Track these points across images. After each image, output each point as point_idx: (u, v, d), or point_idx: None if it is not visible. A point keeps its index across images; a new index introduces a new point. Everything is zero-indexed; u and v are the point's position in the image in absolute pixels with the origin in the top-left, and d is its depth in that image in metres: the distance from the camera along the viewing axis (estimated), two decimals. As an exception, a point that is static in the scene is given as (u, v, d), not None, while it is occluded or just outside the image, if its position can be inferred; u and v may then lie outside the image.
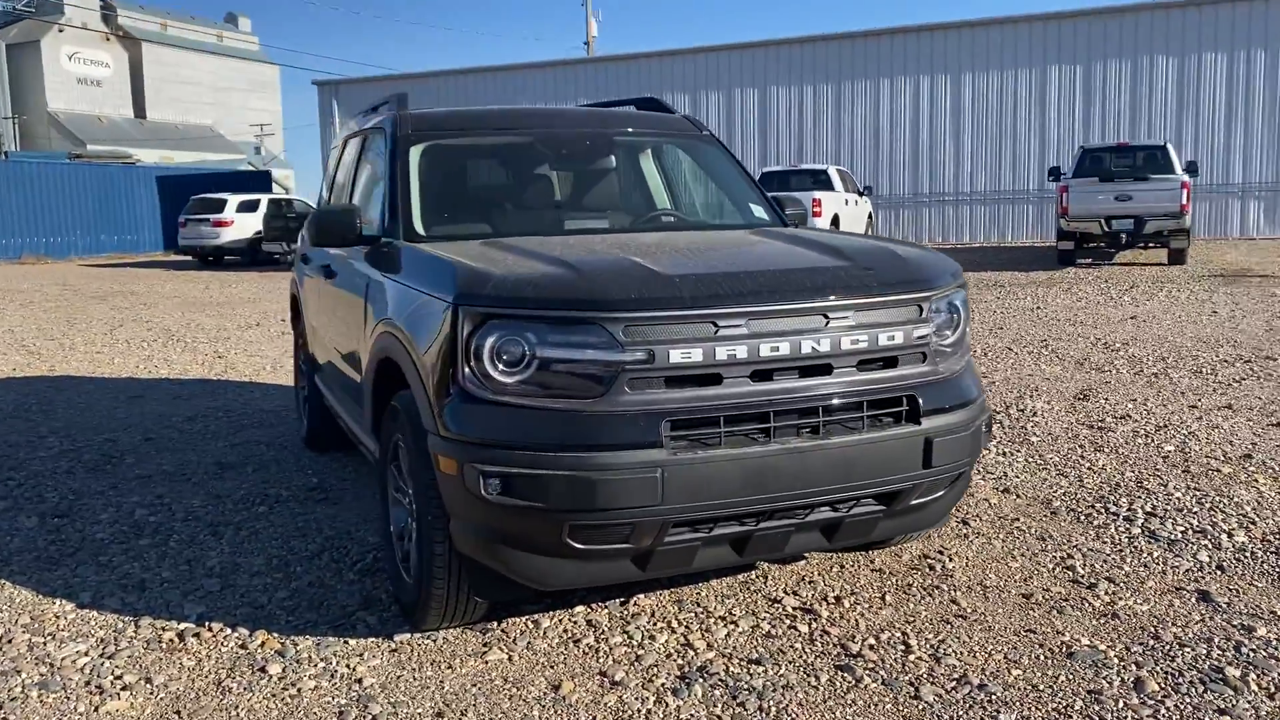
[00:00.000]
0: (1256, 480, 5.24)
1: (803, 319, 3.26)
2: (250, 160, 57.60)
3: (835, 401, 3.28)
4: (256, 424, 7.19)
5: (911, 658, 3.38)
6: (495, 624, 3.70)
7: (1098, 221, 18.91)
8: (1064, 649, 3.41)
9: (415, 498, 3.46)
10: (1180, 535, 4.45)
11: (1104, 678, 3.20)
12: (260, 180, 38.89)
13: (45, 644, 3.66)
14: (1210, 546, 4.31)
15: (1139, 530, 4.54)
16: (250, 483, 5.66)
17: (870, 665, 3.33)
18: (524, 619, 3.74)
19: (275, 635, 3.67)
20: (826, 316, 3.28)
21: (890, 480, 3.37)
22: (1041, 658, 3.36)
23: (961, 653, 3.40)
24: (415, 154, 4.51)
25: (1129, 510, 4.79)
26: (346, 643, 3.59)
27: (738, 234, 4.40)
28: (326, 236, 4.28)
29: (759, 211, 4.86)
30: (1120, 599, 3.80)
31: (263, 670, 3.41)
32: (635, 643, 3.54)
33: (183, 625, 3.78)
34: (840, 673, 3.29)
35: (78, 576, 4.30)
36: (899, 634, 3.55)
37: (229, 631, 3.72)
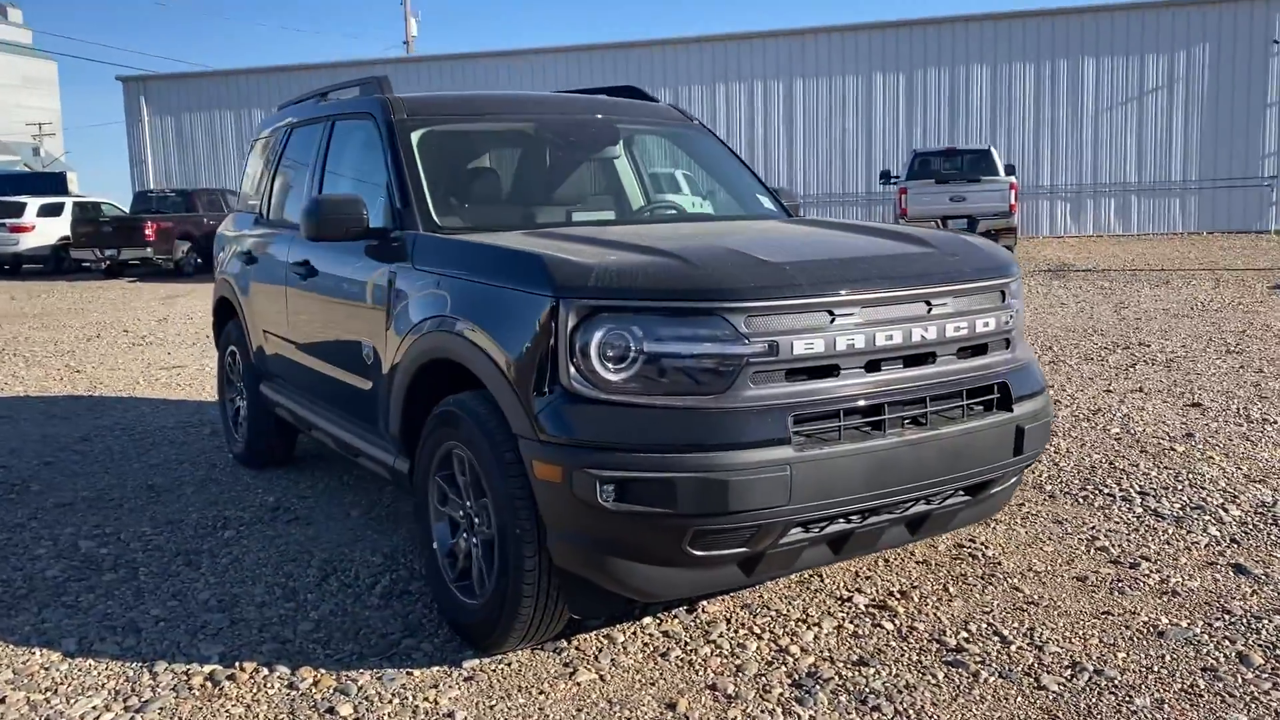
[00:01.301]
0: (1212, 458, 5.51)
1: (908, 307, 3.16)
2: (26, 162, 53.24)
3: (941, 391, 3.20)
4: (164, 442, 6.55)
5: (1013, 649, 3.33)
6: (565, 642, 3.44)
7: (934, 221, 19.79)
8: (1151, 629, 3.44)
9: (496, 510, 3.16)
10: (1182, 512, 4.60)
11: (1209, 655, 3.24)
12: (51, 182, 35.99)
13: (50, 701, 3.16)
14: (1214, 521, 4.48)
15: (1142, 509, 4.67)
16: (197, 506, 5.13)
17: (978, 659, 3.27)
18: (593, 635, 3.49)
19: (323, 671, 3.29)
20: (929, 304, 3.19)
21: (987, 469, 3.32)
22: (1135, 639, 3.38)
23: (1058, 640, 3.38)
24: (415, 140, 4.16)
25: (1121, 490, 4.94)
26: (410, 674, 3.26)
27: (770, 223, 4.27)
28: (329, 229, 3.88)
29: (765, 201, 4.75)
30: (1169, 576, 3.88)
31: (331, 711, 3.05)
32: (727, 652, 3.36)
33: (209, 667, 3.34)
34: (953, 669, 3.21)
35: (47, 621, 3.76)
36: (985, 625, 3.50)
37: (266, 671, 3.32)
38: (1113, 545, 4.22)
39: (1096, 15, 25.77)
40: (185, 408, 7.74)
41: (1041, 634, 3.42)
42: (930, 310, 3.19)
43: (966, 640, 3.39)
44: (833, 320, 3.01)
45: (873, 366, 3.10)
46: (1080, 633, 3.43)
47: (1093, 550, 4.17)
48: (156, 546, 4.52)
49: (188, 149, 31.81)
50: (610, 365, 2.92)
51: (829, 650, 3.36)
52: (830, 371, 3.02)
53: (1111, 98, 25.73)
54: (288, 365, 4.94)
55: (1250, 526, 4.41)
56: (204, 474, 5.74)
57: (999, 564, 4.04)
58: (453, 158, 4.36)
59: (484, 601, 3.30)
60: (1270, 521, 4.46)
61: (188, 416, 7.38)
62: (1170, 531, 4.37)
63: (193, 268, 22.91)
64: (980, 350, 3.36)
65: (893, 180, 20.70)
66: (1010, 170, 20.81)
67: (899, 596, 3.75)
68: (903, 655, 3.31)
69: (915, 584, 3.86)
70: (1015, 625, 3.49)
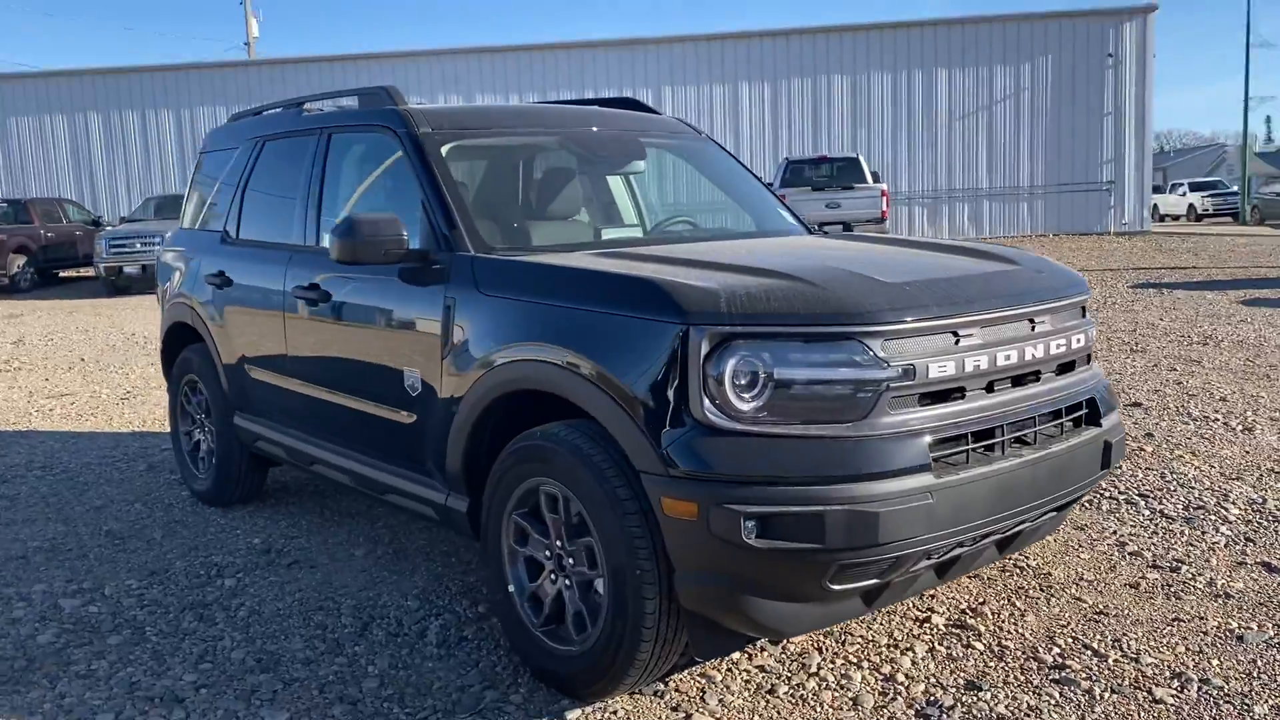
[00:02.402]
0: (1183, 457, 5.74)
1: (1017, 326, 3.14)
2: None
3: (1047, 410, 3.19)
4: (99, 480, 6.01)
5: (1110, 661, 3.35)
6: (662, 684, 3.29)
7: (812, 227, 20.27)
8: (1228, 634, 3.52)
9: (608, 550, 2.97)
10: (1188, 513, 4.76)
11: (1298, 657, 3.34)
12: None
13: (114, 790, 2.81)
14: (1221, 521, 4.65)
15: (1149, 512, 4.81)
16: (175, 552, 4.71)
17: (1083, 674, 3.27)
18: (687, 674, 3.34)
19: (416, 734, 3.04)
20: (1033, 322, 3.18)
21: (1082, 485, 3.34)
22: (1219, 645, 3.45)
23: (1149, 650, 3.42)
24: (447, 155, 3.92)
25: (1122, 493, 5.08)
26: (512, 730, 3.04)
27: (829, 241, 4.20)
28: (367, 252, 3.61)
29: (787, 217, 4.68)
30: (1212, 579, 3.99)
31: (446, 779, 2.81)
32: (834, 685, 3.27)
33: (283, 739, 3.04)
34: (1065, 687, 3.20)
35: (68, 697, 3.35)
36: (1070, 639, 3.52)
37: (350, 738, 3.04)
38: (1144, 550, 4.32)
39: (949, 28, 26.89)
40: (99, 440, 7.15)
41: (1129, 645, 3.45)
42: (1034, 329, 3.18)
43: (1061, 656, 3.40)
44: (957, 341, 2.96)
45: (990, 388, 3.06)
46: (1164, 641, 3.48)
47: (1127, 556, 4.26)
48: (154, 601, 4.12)
49: (14, 155, 29.68)
50: (743, 394, 2.79)
51: (934, 675, 3.30)
52: (958, 394, 2.97)
53: (963, 107, 26.87)
54: (281, 396, 4.58)
55: (1256, 525, 4.59)
56: (164, 515, 5.29)
57: (1049, 575, 4.08)
58: (483, 173, 4.13)
59: (587, 648, 3.10)
60: (1270, 519, 4.66)
61: (107, 450, 6.81)
62: (1187, 533, 4.51)
63: (28, 283, 21.33)
64: (1070, 367, 3.37)
65: (769, 187, 21.11)
66: (876, 177, 21.52)
67: (973, 614, 3.73)
68: (1009, 676, 3.29)
69: (981, 601, 3.85)
70: (1099, 637, 3.52)
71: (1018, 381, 3.16)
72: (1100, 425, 3.39)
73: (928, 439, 2.85)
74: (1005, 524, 3.12)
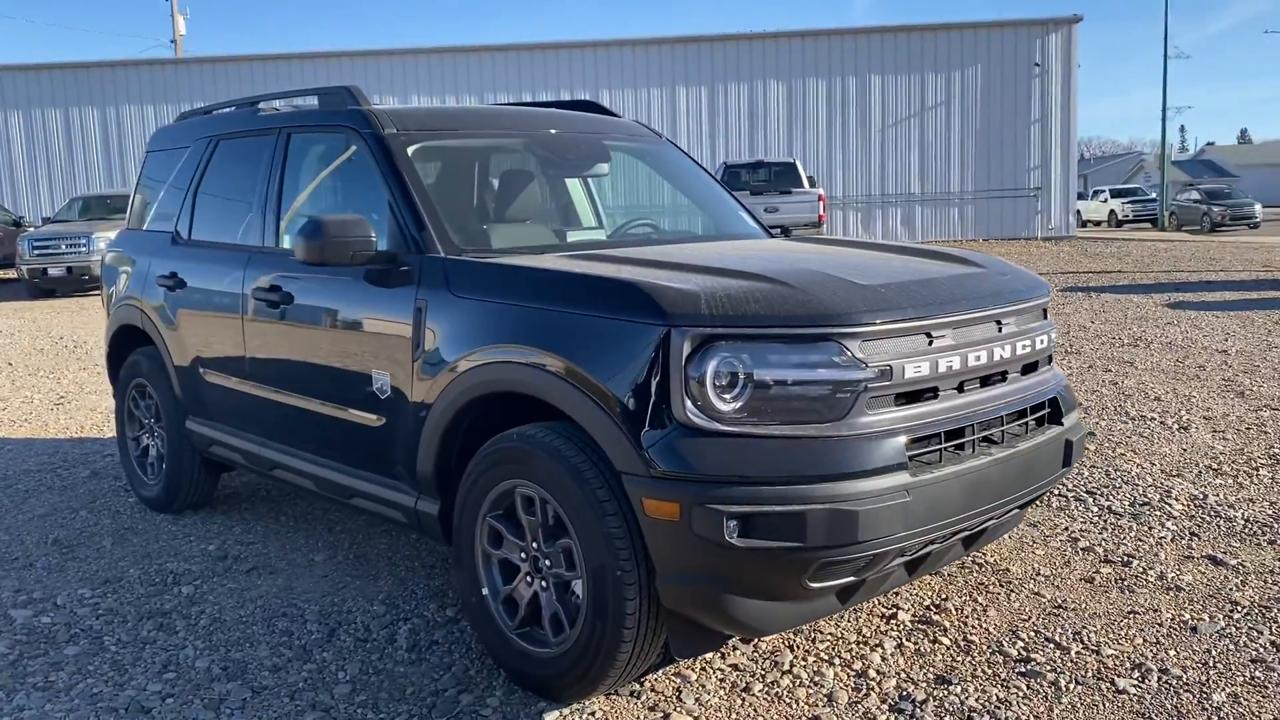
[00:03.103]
0: (1125, 455, 5.91)
1: (985, 327, 3.22)
2: None
3: (1013, 409, 3.28)
4: (39, 488, 5.85)
5: (1073, 654, 3.44)
6: (638, 684, 3.30)
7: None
8: (1182, 626, 3.64)
9: (588, 551, 2.98)
10: (1134, 509, 4.91)
11: (1249, 647, 3.46)
12: None
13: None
14: (1166, 516, 4.80)
15: (1098, 508, 4.95)
16: (126, 560, 4.60)
17: (1049, 667, 3.36)
18: (661, 674, 3.36)
19: (393, 739, 3.02)
20: (999, 324, 3.26)
21: (1045, 483, 3.43)
22: (1174, 636, 3.56)
23: (1108, 642, 3.52)
24: (413, 156, 3.89)
25: (1071, 490, 5.21)
26: (490, 733, 3.03)
27: (791, 244, 4.24)
28: (334, 253, 3.57)
29: (749, 220, 4.73)
30: (1162, 572, 4.12)
31: (429, 784, 2.79)
32: (807, 681, 3.31)
33: (258, 747, 3.00)
34: (1032, 680, 3.28)
35: (27, 710, 3.26)
36: (1033, 632, 3.60)
37: (325, 744, 3.00)
38: (1095, 545, 4.44)
39: (882, 35, 27.33)
40: (36, 447, 6.95)
41: (1089, 637, 3.55)
42: (1001, 330, 3.26)
43: (1026, 649, 3.48)
44: (930, 343, 3.02)
45: (960, 388, 3.13)
46: (1122, 634, 3.58)
47: (1080, 551, 4.38)
48: (110, 610, 4.02)
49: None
50: (724, 395, 2.82)
51: (904, 670, 3.36)
52: (931, 394, 3.03)
53: (896, 113, 27.32)
54: (238, 400, 4.50)
55: (1199, 520, 4.75)
56: (113, 523, 5.16)
57: (1007, 570, 4.17)
58: (449, 175, 4.11)
59: (565, 649, 3.11)
60: (1212, 514, 4.82)
61: (46, 457, 6.63)
62: (1134, 528, 4.65)
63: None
64: (1034, 367, 3.46)
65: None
66: (812, 182, 21.80)
67: (937, 610, 3.81)
68: (977, 669, 3.36)
69: (944, 597, 3.92)
70: (1060, 630, 3.61)
71: (985, 382, 3.23)
72: (1062, 424, 3.48)
73: (904, 438, 2.91)
74: (975, 521, 3.19)
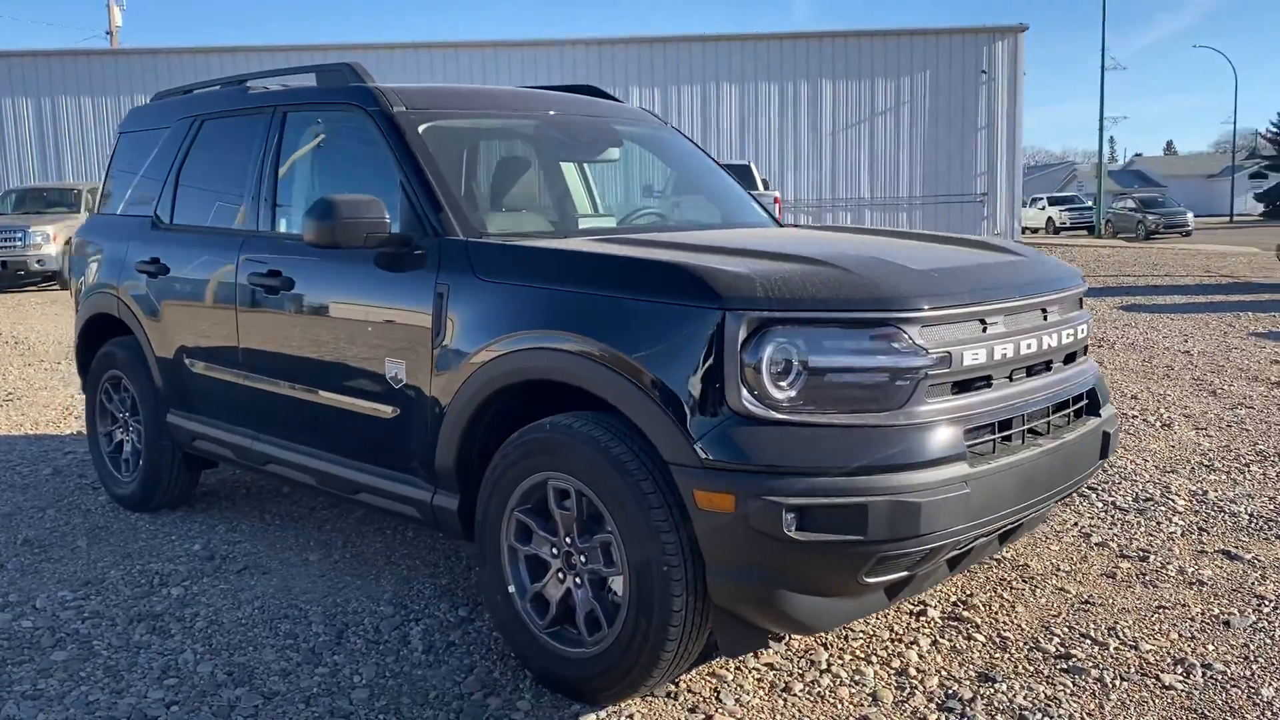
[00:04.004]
0: (1117, 451, 5.90)
1: (1032, 315, 3.14)
2: None
3: (1058, 399, 3.20)
4: (2, 486, 5.54)
5: (1111, 649, 3.38)
6: (673, 685, 3.17)
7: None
8: (1214, 620, 3.60)
9: (630, 546, 2.84)
10: (1138, 504, 4.89)
11: (1286, 640, 3.43)
12: None
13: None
14: (1169, 511, 4.79)
15: (1102, 504, 4.92)
16: (105, 561, 4.35)
17: (1092, 663, 3.28)
18: (695, 674, 3.23)
19: (423, 746, 2.85)
20: (1044, 312, 3.19)
21: (1084, 475, 3.36)
22: (1209, 631, 3.51)
23: (1145, 637, 3.46)
24: (425, 135, 3.72)
25: (1071, 487, 5.18)
26: (527, 738, 2.88)
27: (823, 232, 4.13)
28: (347, 235, 3.39)
29: (759, 209, 4.62)
30: (1183, 567, 4.08)
31: (471, 793, 2.63)
32: (848, 680, 3.20)
33: (279, 756, 2.81)
34: (1077, 676, 3.20)
35: (17, 715, 3.04)
36: (1067, 628, 3.53)
37: (351, 753, 2.82)
38: (1108, 540, 4.40)
39: (833, 40, 27.50)
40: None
41: (1124, 632, 3.49)
42: (1046, 318, 3.19)
43: (1063, 645, 3.41)
44: (985, 329, 2.93)
45: (1010, 377, 3.05)
46: (1156, 629, 3.53)
47: (1095, 546, 4.33)
48: (95, 613, 3.78)
49: None
50: (780, 382, 2.70)
51: (944, 667, 3.27)
52: (985, 383, 2.94)
53: (846, 118, 27.51)
54: (228, 391, 4.28)
55: (1204, 515, 4.74)
56: (85, 522, 4.90)
57: (1027, 566, 4.11)
58: (461, 156, 3.93)
59: (604, 649, 2.96)
60: (1216, 509, 4.81)
61: (1, 455, 6.29)
62: (1143, 523, 4.62)
63: None
64: (1073, 357, 3.39)
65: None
66: (766, 184, 21.82)
67: (965, 606, 3.72)
68: (1017, 666, 3.28)
69: (969, 593, 3.84)
70: (1092, 625, 3.55)
71: (1031, 371, 3.15)
72: (1099, 415, 3.42)
73: (962, 428, 2.81)
74: (1021, 514, 3.11)
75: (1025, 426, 3.05)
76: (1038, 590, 3.87)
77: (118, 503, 5.10)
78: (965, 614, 3.66)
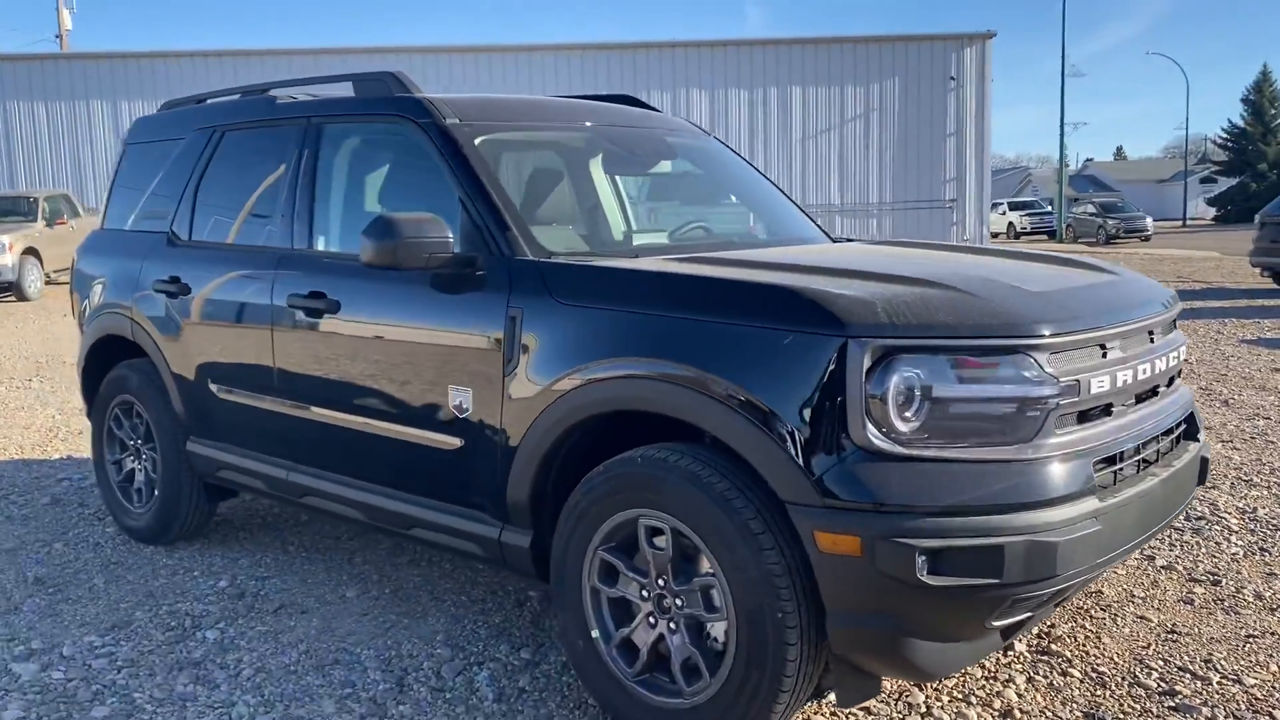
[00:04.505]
0: (1150, 466, 5.81)
1: (1141, 339, 3.00)
2: None
3: (1166, 425, 3.06)
4: (14, 518, 5.23)
5: (1215, 684, 3.25)
6: (770, 733, 2.98)
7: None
8: (1309, 649, 3.48)
9: (739, 591, 2.65)
10: (1192, 523, 4.78)
11: (1392, 671, 3.31)
12: None
13: None
14: (1225, 529, 4.68)
15: (1155, 524, 4.80)
16: (128, 601, 4.08)
17: (1199, 700, 3.15)
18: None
19: (520, 810, 2.64)
20: (1151, 335, 3.05)
21: (1187, 501, 3.23)
22: (1307, 661, 3.40)
23: (1244, 670, 3.33)
24: (481, 149, 3.52)
25: (1119, 506, 5.06)
26: (629, 798, 2.68)
27: (904, 249, 3.96)
28: (408, 256, 3.18)
29: (808, 223, 4.45)
30: (1259, 591, 3.97)
31: None
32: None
33: (365, 825, 2.58)
34: (1187, 715, 3.06)
35: (66, 785, 2.79)
36: (1161, 661, 3.40)
37: (443, 819, 2.61)
38: (1174, 563, 4.28)
39: (803, 47, 27.50)
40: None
41: (1221, 665, 3.36)
42: (1152, 340, 3.05)
43: (1163, 680, 3.27)
44: (1104, 355, 2.79)
45: (1127, 403, 2.90)
46: (1253, 660, 3.40)
47: (1162, 570, 4.21)
48: (130, 661, 3.53)
49: None
50: (906, 415, 2.53)
51: (1048, 708, 3.12)
52: (1107, 411, 2.79)
53: (816, 124, 27.51)
54: (260, 419, 4.03)
55: (1261, 534, 4.64)
56: (96, 557, 4.62)
57: (1101, 594, 3.97)
58: (519, 171, 3.73)
59: (706, 699, 2.77)
60: (1271, 527, 4.72)
61: (-11, 482, 5.97)
62: (1202, 544, 4.51)
63: None
64: (1171, 381, 3.26)
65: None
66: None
67: (1049, 639, 3.58)
68: (1124, 705, 3.13)
69: (1050, 624, 3.70)
70: (1187, 658, 3.42)
71: (1140, 398, 3.01)
72: (1197, 440, 3.29)
73: (1090, 460, 2.66)
74: (1137, 548, 2.96)
75: (1140, 456, 2.90)
76: (1118, 619, 3.74)
77: (129, 535, 4.82)
78: (1053, 647, 3.51)
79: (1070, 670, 3.35)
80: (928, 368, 2.53)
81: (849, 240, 4.43)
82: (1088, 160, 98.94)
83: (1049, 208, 44.66)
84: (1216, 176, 64.19)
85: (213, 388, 4.22)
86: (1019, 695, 3.19)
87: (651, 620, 2.91)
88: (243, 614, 3.92)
